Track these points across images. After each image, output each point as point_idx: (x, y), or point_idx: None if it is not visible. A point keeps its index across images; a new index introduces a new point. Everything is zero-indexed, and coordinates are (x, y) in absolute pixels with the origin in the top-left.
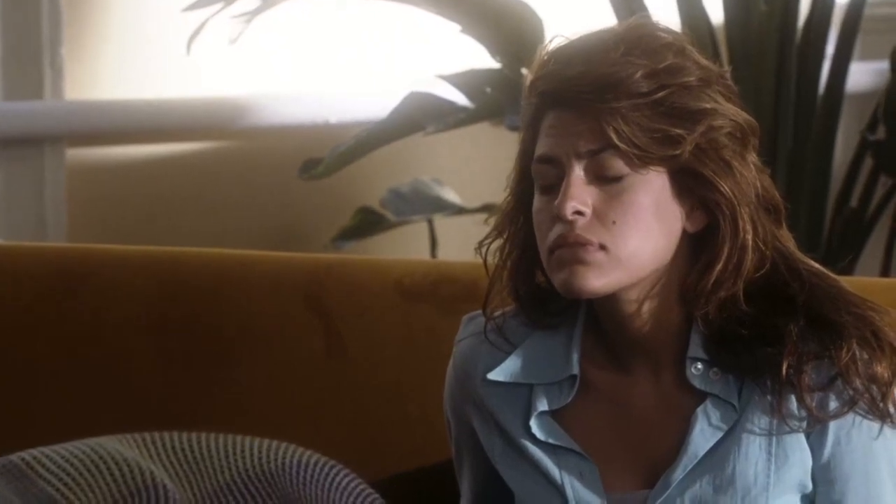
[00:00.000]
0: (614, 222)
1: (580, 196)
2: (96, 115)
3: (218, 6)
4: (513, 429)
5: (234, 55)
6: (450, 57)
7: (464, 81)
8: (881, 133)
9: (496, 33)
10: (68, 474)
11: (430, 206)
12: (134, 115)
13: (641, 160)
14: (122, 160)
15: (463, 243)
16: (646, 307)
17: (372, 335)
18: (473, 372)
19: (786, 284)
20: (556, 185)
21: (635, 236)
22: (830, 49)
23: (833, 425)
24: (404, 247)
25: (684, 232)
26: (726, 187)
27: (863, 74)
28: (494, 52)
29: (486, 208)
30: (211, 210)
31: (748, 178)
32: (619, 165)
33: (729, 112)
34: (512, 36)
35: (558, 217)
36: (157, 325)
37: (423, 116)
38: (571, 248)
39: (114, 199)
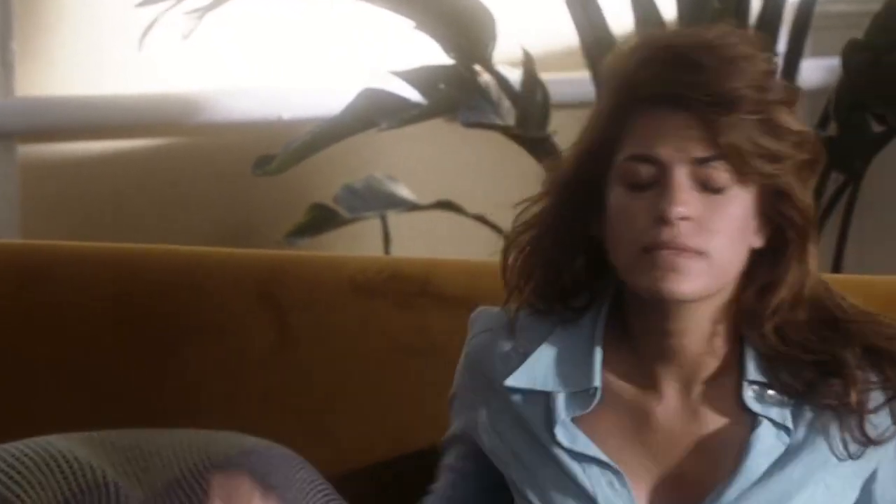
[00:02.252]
0: (714, 232)
1: (688, 201)
2: (48, 112)
3: (171, 2)
4: (538, 432)
5: (187, 51)
6: (404, 53)
7: (417, 78)
8: (832, 129)
9: (450, 30)
10: (19, 472)
11: (384, 202)
12: (86, 111)
13: (746, 174)
14: (75, 157)
15: (416, 239)
16: (699, 319)
17: (326, 331)
18: (487, 368)
19: (833, 309)
20: (651, 185)
21: (730, 248)
22: (782, 46)
23: (886, 461)
24: (358, 243)
25: (749, 248)
26: (806, 209)
27: (814, 71)
28: (448, 49)
29: (440, 204)
30: (164, 206)
31: (811, 201)
32: (724, 177)
33: (811, 136)
34: (465, 33)
35: (662, 218)
36: (113, 321)
37: (376, 113)
38: (671, 253)
39: (67, 196)
